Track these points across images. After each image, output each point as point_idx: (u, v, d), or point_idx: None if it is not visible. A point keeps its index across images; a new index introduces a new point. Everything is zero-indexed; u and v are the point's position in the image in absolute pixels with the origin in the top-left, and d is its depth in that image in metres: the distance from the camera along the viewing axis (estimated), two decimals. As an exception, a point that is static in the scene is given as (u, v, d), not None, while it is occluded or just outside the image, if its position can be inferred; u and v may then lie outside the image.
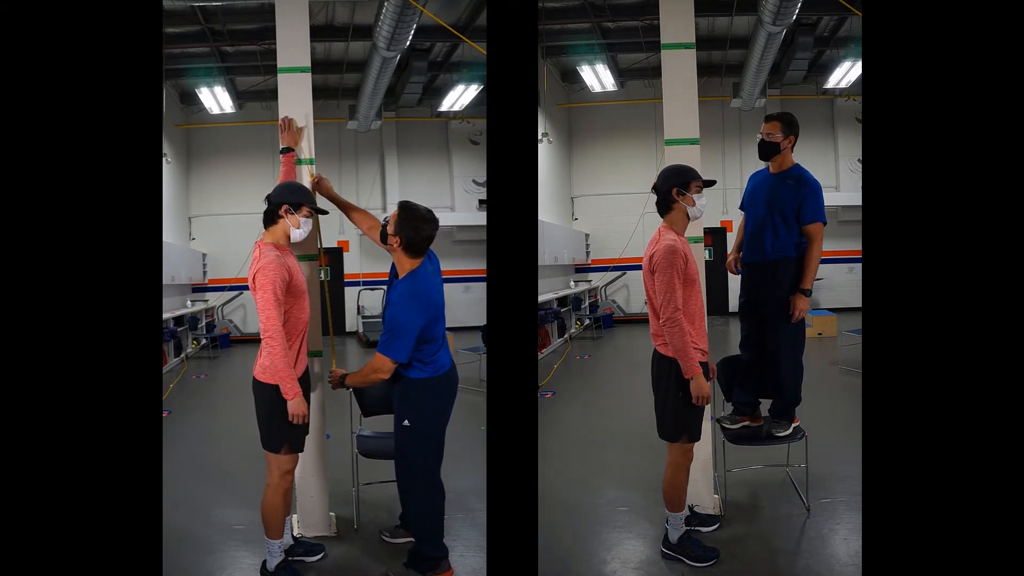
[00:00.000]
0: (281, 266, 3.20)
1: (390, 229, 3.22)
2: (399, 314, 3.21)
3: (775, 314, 3.80)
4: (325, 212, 3.49)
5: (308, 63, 3.91)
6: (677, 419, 3.34)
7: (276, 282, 3.16)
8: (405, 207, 3.24)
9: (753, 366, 3.95)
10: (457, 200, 13.49)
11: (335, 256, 13.34)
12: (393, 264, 3.32)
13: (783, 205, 3.75)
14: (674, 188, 3.31)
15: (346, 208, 3.73)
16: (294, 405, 3.20)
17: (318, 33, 10.12)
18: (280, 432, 3.27)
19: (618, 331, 12.24)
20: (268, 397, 3.24)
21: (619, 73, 12.84)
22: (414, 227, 3.20)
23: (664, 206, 3.35)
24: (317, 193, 3.70)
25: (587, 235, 13.70)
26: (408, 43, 9.47)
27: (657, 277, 3.22)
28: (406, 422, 3.31)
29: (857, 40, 11.20)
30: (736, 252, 4.02)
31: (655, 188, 3.37)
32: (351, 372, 3.43)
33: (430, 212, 3.26)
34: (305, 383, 3.38)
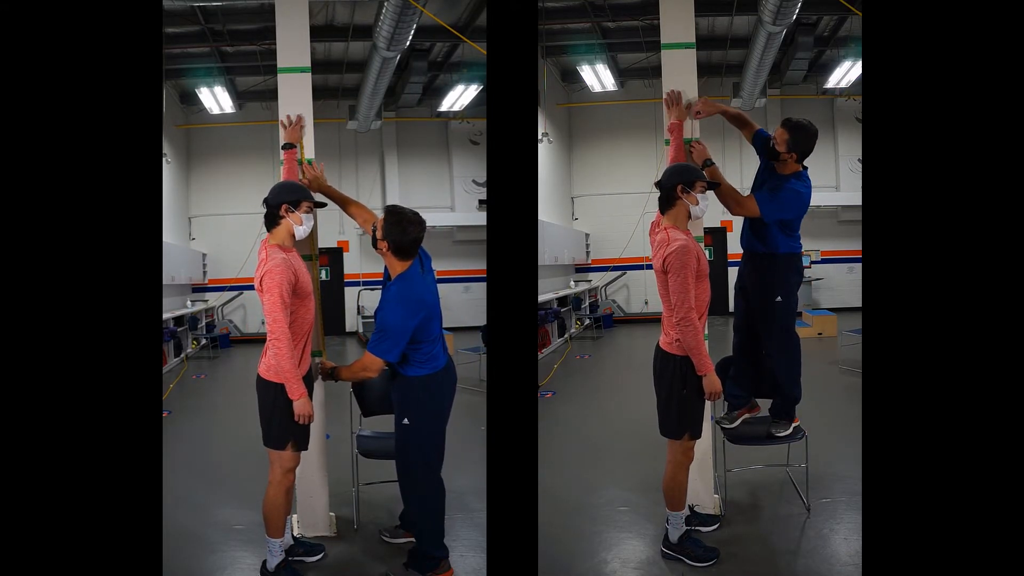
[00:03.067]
0: (287, 268, 3.22)
1: (378, 234, 3.25)
2: (389, 316, 3.25)
3: (763, 313, 3.82)
4: (323, 204, 3.51)
5: (308, 63, 3.91)
6: (680, 416, 3.36)
7: (283, 285, 3.17)
8: (391, 211, 3.27)
9: (745, 357, 3.95)
10: (457, 200, 13.49)
11: (335, 256, 13.34)
12: (385, 266, 3.34)
13: None
14: (679, 185, 3.33)
15: (343, 202, 3.74)
16: (300, 405, 3.22)
17: (318, 33, 10.12)
18: (284, 429, 3.28)
19: (618, 331, 12.24)
20: (272, 395, 3.25)
21: (619, 73, 12.84)
22: (401, 230, 3.22)
23: (667, 202, 3.37)
24: (309, 174, 3.69)
25: (587, 235, 13.70)
26: (408, 43, 9.47)
27: (671, 278, 3.24)
28: (406, 420, 3.33)
29: (857, 40, 11.20)
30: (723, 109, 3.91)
31: (659, 184, 3.39)
32: (342, 366, 3.50)
33: (416, 214, 3.28)
34: (308, 383, 3.38)
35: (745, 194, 3.77)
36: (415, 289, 3.26)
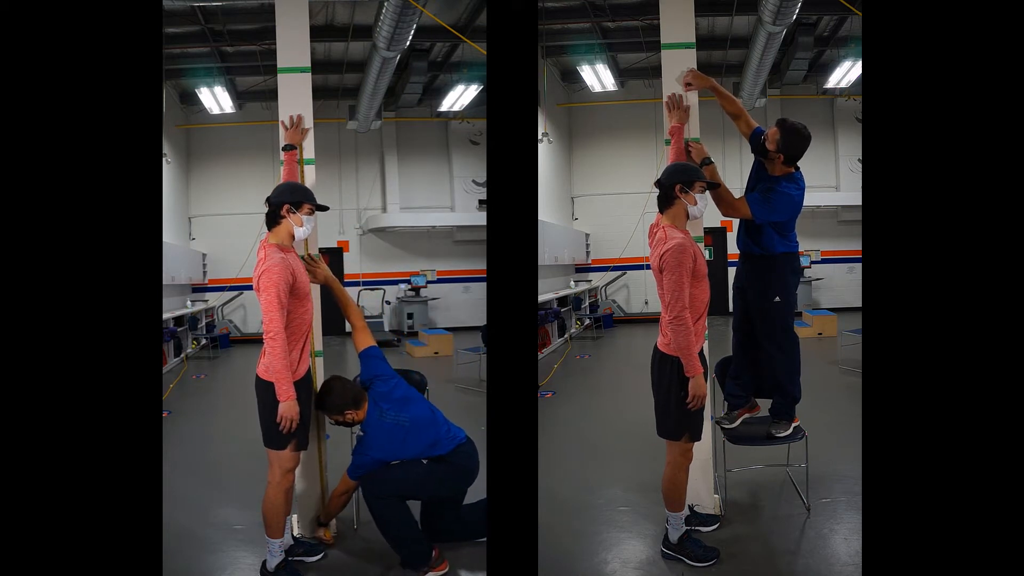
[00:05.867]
0: (285, 268, 3.22)
1: (332, 418, 3.56)
2: (355, 456, 3.52)
3: (762, 314, 3.82)
4: (326, 208, 3.50)
5: (308, 63, 3.91)
6: (678, 418, 3.34)
7: (280, 284, 3.17)
8: (320, 393, 3.57)
9: (744, 357, 3.95)
10: (457, 200, 13.49)
11: (335, 256, 13.34)
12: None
13: None
14: (678, 184, 3.33)
15: (344, 304, 3.82)
16: (285, 408, 3.21)
17: (318, 33, 10.12)
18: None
19: (618, 331, 12.24)
20: (272, 395, 3.25)
21: (619, 73, 12.84)
22: (333, 398, 3.51)
23: (665, 201, 3.37)
24: (312, 270, 3.66)
25: (587, 235, 13.70)
26: (408, 43, 9.47)
27: (666, 276, 3.23)
28: (424, 461, 3.49)
29: (857, 40, 11.20)
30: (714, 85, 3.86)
31: (659, 183, 3.39)
32: (324, 512, 3.74)
33: (334, 386, 3.55)
34: (307, 384, 3.39)
35: (738, 195, 3.76)
36: (369, 444, 3.46)
